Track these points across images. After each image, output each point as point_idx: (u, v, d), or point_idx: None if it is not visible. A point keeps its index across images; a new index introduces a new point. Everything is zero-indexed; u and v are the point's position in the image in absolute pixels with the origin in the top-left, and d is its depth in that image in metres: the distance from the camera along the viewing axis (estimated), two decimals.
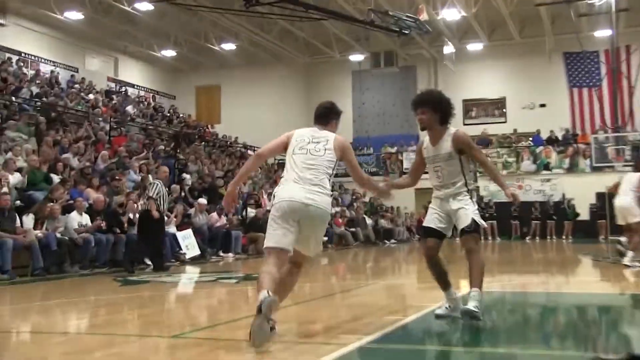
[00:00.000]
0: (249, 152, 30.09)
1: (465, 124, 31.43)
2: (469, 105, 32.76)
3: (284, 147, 5.60)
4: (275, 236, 5.21)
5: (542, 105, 31.41)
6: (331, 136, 5.56)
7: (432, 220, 6.00)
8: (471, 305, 5.67)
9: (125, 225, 14.21)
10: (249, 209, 20.01)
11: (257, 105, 33.39)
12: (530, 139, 30.30)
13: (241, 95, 33.83)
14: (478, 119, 32.42)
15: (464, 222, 5.85)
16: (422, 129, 6.00)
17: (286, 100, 33.90)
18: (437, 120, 5.93)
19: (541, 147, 29.28)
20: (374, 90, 34.48)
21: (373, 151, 32.39)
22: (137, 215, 13.79)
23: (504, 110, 32.62)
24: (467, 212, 5.86)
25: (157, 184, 13.20)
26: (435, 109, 5.90)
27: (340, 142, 5.56)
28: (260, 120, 32.16)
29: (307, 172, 5.31)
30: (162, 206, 13.29)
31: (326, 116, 5.81)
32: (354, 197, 28.71)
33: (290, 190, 5.26)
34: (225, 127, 32.35)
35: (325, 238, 21.47)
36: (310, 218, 5.21)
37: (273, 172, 27.83)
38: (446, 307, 6.05)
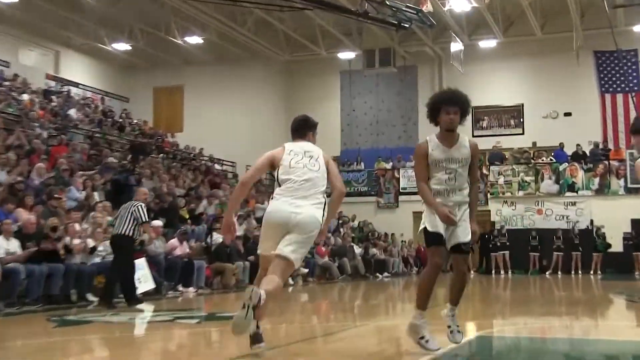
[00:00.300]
0: (217, 166, 30.07)
1: (474, 135, 31.50)
2: (480, 113, 32.93)
3: (271, 164, 6.59)
4: (264, 244, 6.40)
5: (567, 114, 31.63)
6: (319, 150, 6.69)
7: (440, 225, 6.46)
8: (457, 331, 6.63)
9: (62, 252, 14.03)
10: (214, 235, 19.90)
11: (227, 110, 33.42)
12: (552, 154, 30.53)
13: (208, 98, 33.82)
14: (490, 130, 32.66)
15: (463, 236, 6.50)
16: (448, 130, 6.58)
17: (262, 105, 33.94)
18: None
19: (565, 164, 29.42)
20: (367, 94, 34.64)
21: (364, 167, 32.51)
22: (109, 241, 14.04)
23: (521, 119, 32.88)
24: (468, 227, 6.53)
25: (143, 206, 13.45)
26: (462, 110, 6.63)
27: (326, 156, 6.72)
28: (230, 129, 32.19)
29: (304, 190, 6.35)
30: (142, 231, 13.67)
31: (301, 130, 6.86)
32: (340, 221, 28.69)
33: (281, 204, 6.32)
34: (189, 136, 32.29)
35: (306, 270, 21.42)
36: (296, 225, 6.22)
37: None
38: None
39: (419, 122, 33.61)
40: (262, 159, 6.62)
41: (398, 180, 31.30)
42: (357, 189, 31.23)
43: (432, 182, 6.61)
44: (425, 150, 6.58)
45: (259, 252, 6.52)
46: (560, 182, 29.16)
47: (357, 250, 26.62)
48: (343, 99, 34.90)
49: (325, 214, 6.42)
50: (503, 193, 29.61)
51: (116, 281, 13.67)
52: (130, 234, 13.23)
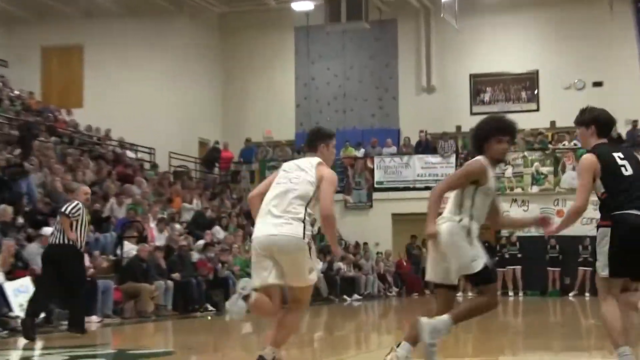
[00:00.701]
0: (129, 154, 29.76)
1: (472, 113, 31.60)
2: (481, 83, 33.11)
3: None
4: (257, 275, 7.80)
5: (597, 84, 31.77)
6: (314, 161, 8.09)
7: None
8: None
9: None
10: (126, 244, 19.75)
11: (142, 79, 33.07)
12: (577, 137, 30.33)
13: (117, 63, 33.44)
14: (494, 105, 32.86)
15: None
16: (500, 161, 7.99)
17: (190, 73, 33.77)
18: None
19: None
20: (331, 58, 34.66)
21: None
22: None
23: (536, 91, 33.13)
24: None
25: (79, 205, 14.04)
26: (513, 140, 8.11)
27: (322, 168, 8.02)
28: (148, 104, 31.99)
29: (277, 203, 7.83)
30: (83, 238, 14.24)
31: (310, 143, 8.43)
32: None
33: (258, 227, 7.88)
34: (91, 113, 31.95)
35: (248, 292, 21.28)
36: (278, 250, 7.69)
37: (167, 185, 27.56)
38: None
39: (400, 96, 33.66)
40: (272, 175, 8.26)
41: (372, 172, 31.36)
42: None
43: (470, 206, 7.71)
44: (486, 172, 7.65)
45: (254, 285, 7.80)
46: None
47: (318, 265, 26.40)
48: (298, 64, 34.86)
49: (309, 227, 7.79)
50: (512, 189, 29.67)
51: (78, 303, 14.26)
52: (72, 242, 13.78)
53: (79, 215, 13.90)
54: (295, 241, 7.70)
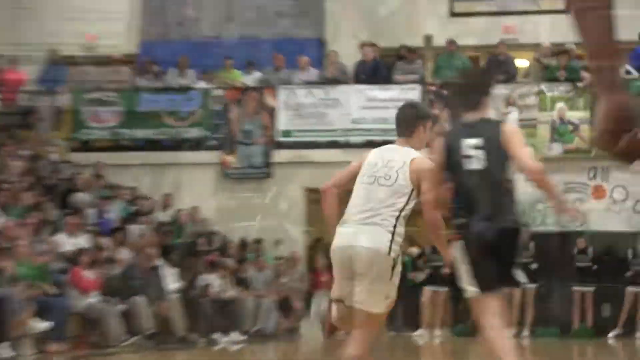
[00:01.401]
0: None
1: (454, 14, 32.36)
2: None
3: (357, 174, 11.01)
4: (335, 285, 10.80)
5: None
6: (409, 157, 10.55)
7: None
8: None
9: None
10: None
11: None
12: (628, 57, 30.63)
13: None
14: (485, 2, 32.33)
15: None
16: None
17: None
18: None
19: None
20: None
21: (195, 81, 32.28)
22: None
23: None
24: None
25: None
26: None
27: (418, 163, 10.44)
28: None
29: (367, 210, 10.40)
30: None
31: (403, 127, 10.93)
32: (132, 207, 27.81)
33: (341, 234, 10.62)
34: None
35: (44, 324, 21.81)
36: (357, 261, 10.27)
37: None
38: None
39: None
40: (351, 165, 11.01)
41: (272, 114, 30.88)
42: (177, 134, 30.27)
43: None
44: None
45: (333, 296, 10.68)
46: None
47: (172, 281, 26.54)
48: None
49: (398, 239, 10.20)
50: None
51: None
52: None
53: None
54: (376, 255, 10.13)
